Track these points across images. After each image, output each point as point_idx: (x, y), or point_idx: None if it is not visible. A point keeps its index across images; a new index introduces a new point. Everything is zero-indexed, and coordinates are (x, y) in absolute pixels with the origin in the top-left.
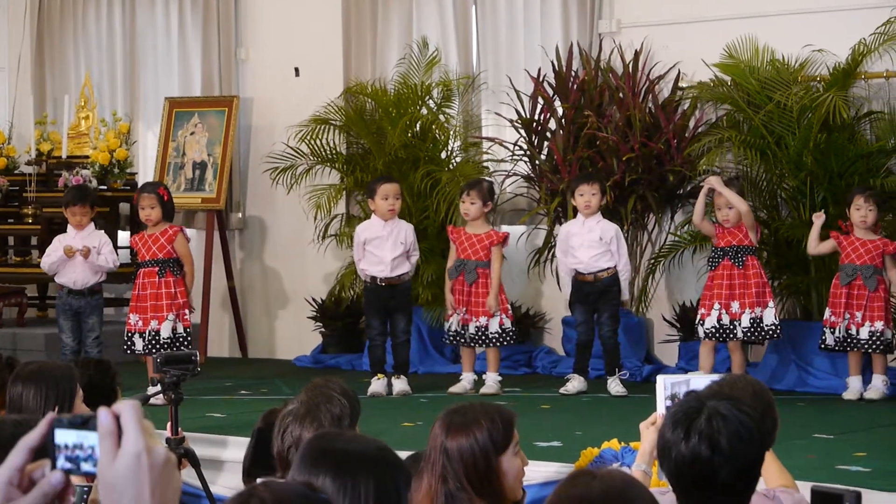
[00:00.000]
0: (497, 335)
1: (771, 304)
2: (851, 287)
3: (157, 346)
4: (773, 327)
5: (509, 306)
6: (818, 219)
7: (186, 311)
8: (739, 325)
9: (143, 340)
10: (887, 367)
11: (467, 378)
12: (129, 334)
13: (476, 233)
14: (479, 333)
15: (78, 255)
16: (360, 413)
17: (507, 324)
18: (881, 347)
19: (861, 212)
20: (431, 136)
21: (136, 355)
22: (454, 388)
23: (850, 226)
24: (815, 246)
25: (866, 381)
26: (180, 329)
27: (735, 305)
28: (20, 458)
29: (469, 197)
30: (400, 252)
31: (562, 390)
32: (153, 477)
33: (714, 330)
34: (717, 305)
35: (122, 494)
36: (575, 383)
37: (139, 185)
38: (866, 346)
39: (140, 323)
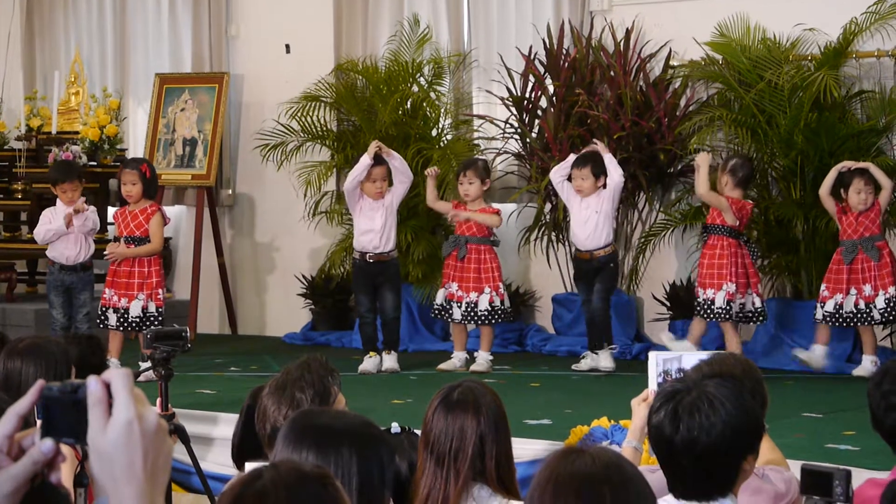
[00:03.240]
0: (486, 313)
1: (725, 286)
2: (854, 262)
3: (127, 326)
4: (756, 310)
5: (501, 284)
6: (700, 160)
7: (160, 291)
8: (734, 304)
9: (117, 315)
10: (877, 347)
11: (458, 356)
12: (104, 308)
13: (472, 209)
14: (469, 310)
15: (74, 220)
16: (345, 391)
17: (497, 301)
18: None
19: (861, 195)
20: (422, 113)
21: (108, 329)
22: (443, 366)
23: (846, 206)
24: (828, 192)
25: (856, 360)
26: (152, 308)
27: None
28: (9, 426)
29: (466, 177)
30: None
31: (601, 367)
32: (145, 444)
33: (707, 310)
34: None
35: (113, 462)
36: (588, 361)
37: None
38: (882, 318)
39: (115, 298)
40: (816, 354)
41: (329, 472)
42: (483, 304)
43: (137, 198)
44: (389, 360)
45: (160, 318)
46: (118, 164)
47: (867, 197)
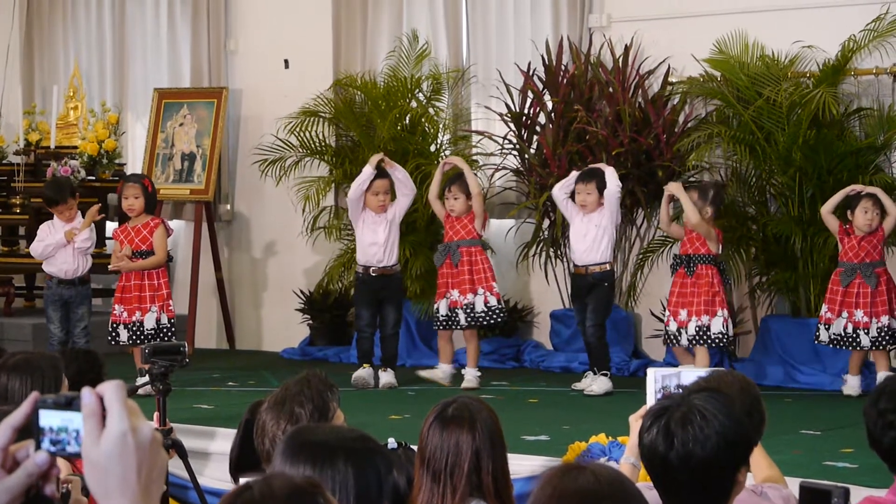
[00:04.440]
0: (483, 314)
1: (721, 313)
2: (851, 286)
3: (142, 338)
4: (721, 336)
5: (494, 284)
6: (675, 190)
7: (171, 303)
8: (685, 332)
9: (128, 331)
10: (890, 364)
11: (444, 368)
12: (114, 325)
13: (459, 217)
14: (469, 313)
15: (74, 239)
16: (343, 406)
17: (493, 301)
18: (887, 341)
19: (868, 214)
20: (421, 129)
21: (120, 346)
22: (424, 373)
23: (850, 228)
24: (830, 210)
25: (866, 378)
26: (164, 320)
27: (683, 313)
28: (4, 438)
29: (451, 192)
30: None
31: (586, 391)
32: (139, 456)
33: (665, 336)
34: (666, 313)
35: (107, 474)
36: (587, 381)
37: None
38: (872, 346)
39: (125, 314)
40: (853, 385)
41: (319, 483)
42: (479, 306)
43: (139, 212)
44: (387, 376)
45: (172, 329)
46: (117, 178)
47: (874, 218)
